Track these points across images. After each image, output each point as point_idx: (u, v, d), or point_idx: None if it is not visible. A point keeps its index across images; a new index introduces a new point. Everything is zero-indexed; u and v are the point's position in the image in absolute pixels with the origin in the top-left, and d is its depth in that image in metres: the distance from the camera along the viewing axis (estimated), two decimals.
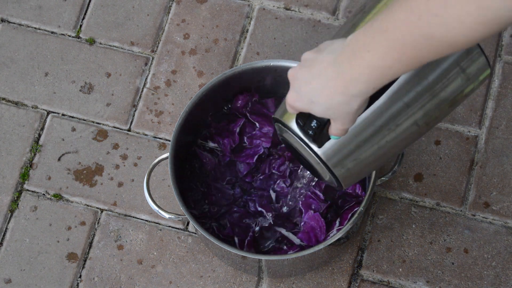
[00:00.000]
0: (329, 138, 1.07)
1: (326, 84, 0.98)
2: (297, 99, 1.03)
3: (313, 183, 1.38)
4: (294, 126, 1.12)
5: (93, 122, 1.58)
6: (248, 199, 1.42)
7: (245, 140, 1.45)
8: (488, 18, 0.80)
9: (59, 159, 1.56)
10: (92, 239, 1.51)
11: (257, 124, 1.45)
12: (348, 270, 1.47)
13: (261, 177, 1.43)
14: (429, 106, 1.10)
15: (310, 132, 1.06)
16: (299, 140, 1.12)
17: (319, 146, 1.10)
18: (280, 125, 1.15)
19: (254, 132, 1.45)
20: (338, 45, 0.98)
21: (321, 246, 1.29)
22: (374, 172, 1.32)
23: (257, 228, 1.40)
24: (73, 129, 1.57)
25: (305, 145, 1.11)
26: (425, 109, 1.10)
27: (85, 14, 1.65)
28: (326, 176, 1.16)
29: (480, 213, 1.50)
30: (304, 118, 1.07)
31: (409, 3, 0.86)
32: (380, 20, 0.90)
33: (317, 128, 1.06)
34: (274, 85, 1.46)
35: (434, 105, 1.10)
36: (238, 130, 1.44)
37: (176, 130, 1.36)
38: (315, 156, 1.12)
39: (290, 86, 1.04)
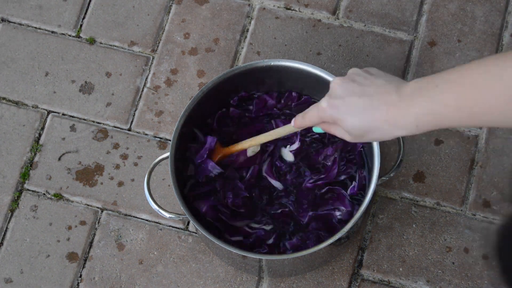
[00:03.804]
0: None
1: (376, 106, 1.00)
2: (333, 106, 1.05)
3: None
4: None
5: (93, 121, 1.58)
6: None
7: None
8: None
9: (59, 159, 1.56)
10: (93, 239, 1.51)
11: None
12: (348, 269, 1.47)
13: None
14: None
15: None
16: None
17: None
18: None
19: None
20: (399, 79, 1.01)
21: (321, 246, 1.29)
22: (375, 172, 1.32)
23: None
24: (74, 129, 1.57)
25: None
26: None
27: (85, 13, 1.65)
28: None
29: (481, 212, 1.50)
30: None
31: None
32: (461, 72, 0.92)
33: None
34: (274, 85, 1.46)
35: None
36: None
37: (176, 130, 1.36)
38: None
39: (329, 94, 1.06)
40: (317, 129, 1.16)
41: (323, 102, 1.07)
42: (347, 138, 1.07)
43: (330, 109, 1.05)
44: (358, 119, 1.02)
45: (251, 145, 1.37)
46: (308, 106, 1.15)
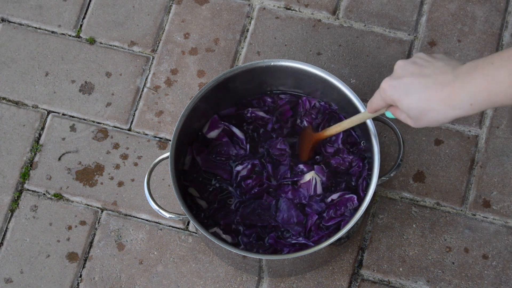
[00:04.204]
0: None
1: (431, 86, 1.04)
2: (393, 86, 1.09)
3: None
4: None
5: (93, 121, 1.58)
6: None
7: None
8: None
9: (59, 159, 1.56)
10: (93, 239, 1.51)
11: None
12: (348, 269, 1.47)
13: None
14: None
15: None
16: None
17: None
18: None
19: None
20: (459, 62, 1.04)
21: (321, 246, 1.29)
22: (375, 172, 1.32)
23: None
24: (74, 129, 1.57)
25: None
26: None
27: (85, 13, 1.65)
28: None
29: (481, 212, 1.50)
30: None
31: None
32: None
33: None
34: (274, 85, 1.46)
35: None
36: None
37: (176, 130, 1.36)
38: None
39: (392, 74, 1.10)
40: (389, 114, 1.20)
41: (384, 83, 1.11)
42: (409, 122, 1.11)
43: (388, 90, 1.10)
44: (413, 99, 1.06)
45: (337, 131, 1.37)
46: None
